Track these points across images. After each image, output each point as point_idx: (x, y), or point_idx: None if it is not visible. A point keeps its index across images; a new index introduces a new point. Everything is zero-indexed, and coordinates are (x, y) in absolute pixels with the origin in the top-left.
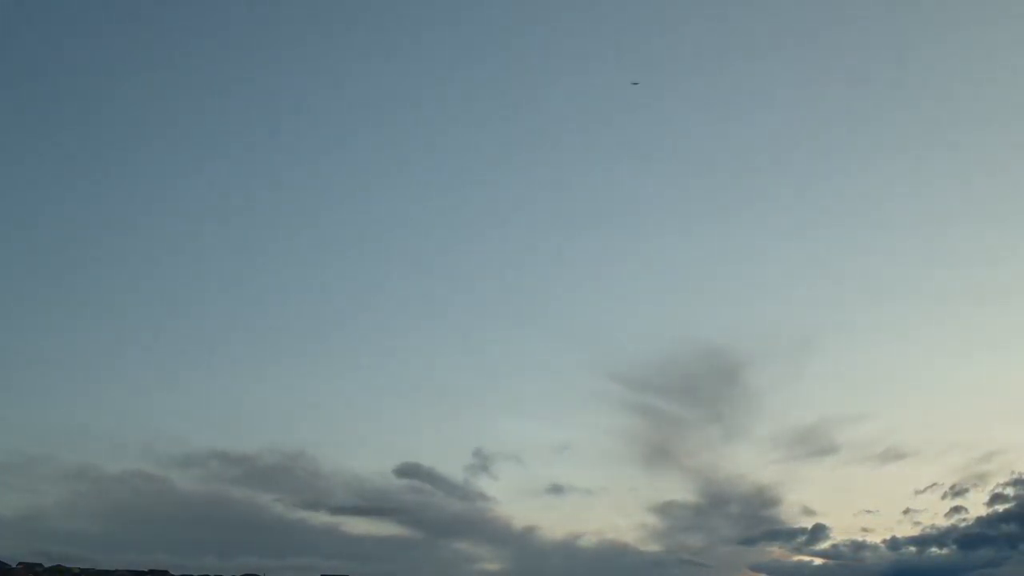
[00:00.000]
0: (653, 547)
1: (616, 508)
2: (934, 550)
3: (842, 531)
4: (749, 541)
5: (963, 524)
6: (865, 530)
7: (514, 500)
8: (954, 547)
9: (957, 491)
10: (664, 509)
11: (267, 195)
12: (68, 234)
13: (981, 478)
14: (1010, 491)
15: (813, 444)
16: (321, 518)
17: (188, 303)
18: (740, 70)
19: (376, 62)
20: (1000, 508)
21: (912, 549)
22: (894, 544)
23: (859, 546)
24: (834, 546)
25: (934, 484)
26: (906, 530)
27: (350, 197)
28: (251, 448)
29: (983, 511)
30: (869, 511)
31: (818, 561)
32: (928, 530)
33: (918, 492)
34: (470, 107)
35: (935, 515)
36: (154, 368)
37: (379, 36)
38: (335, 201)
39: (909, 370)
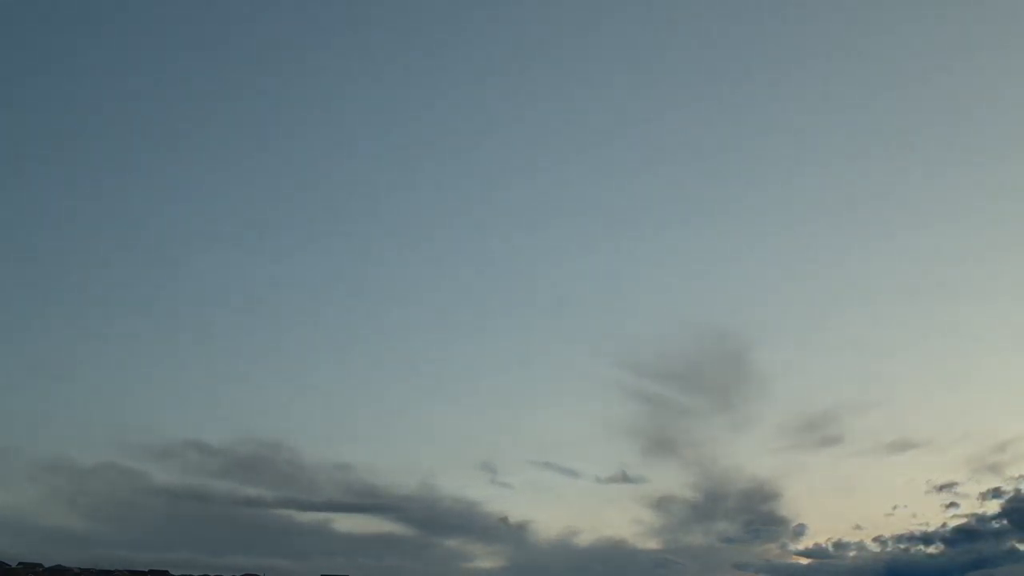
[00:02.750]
0: (650, 544)
1: (613, 503)
2: (933, 547)
3: (841, 529)
4: (743, 540)
5: (964, 520)
6: (859, 527)
7: (510, 495)
8: (951, 544)
9: (959, 486)
10: (661, 504)
11: (255, 185)
12: (39, 225)
13: (993, 469)
14: (1009, 486)
15: (817, 434)
16: (309, 516)
17: (158, 287)
18: (744, 75)
19: (386, 65)
20: (1004, 504)
21: (913, 546)
22: (894, 541)
23: (856, 545)
24: (830, 544)
25: (931, 480)
26: (909, 527)
27: (338, 188)
28: (226, 438)
29: (988, 508)
30: (869, 507)
31: (804, 561)
32: (928, 527)
33: (921, 487)
34: (477, 109)
35: (936, 511)
36: (121, 354)
37: (386, 38)
38: (322, 192)
39: (921, 358)
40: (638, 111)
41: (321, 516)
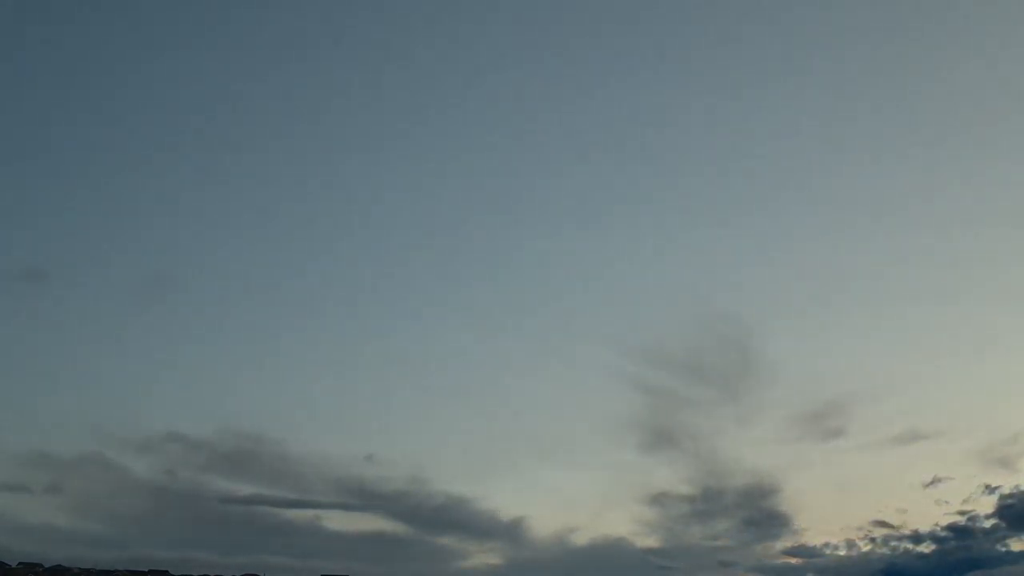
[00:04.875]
0: (648, 542)
1: (610, 499)
2: (926, 546)
3: (835, 527)
4: (738, 538)
5: (961, 519)
6: (853, 525)
7: (504, 490)
8: (946, 543)
9: (958, 482)
10: (659, 501)
11: (239, 177)
12: (22, 217)
13: (1003, 462)
14: (1011, 483)
15: (821, 426)
16: (298, 512)
17: (134, 272)
18: (744, 78)
19: (395, 63)
20: (1002, 502)
21: (906, 545)
22: (883, 540)
23: (847, 544)
24: (821, 543)
25: (930, 476)
26: (904, 524)
27: (327, 179)
28: (207, 430)
29: (985, 506)
30: (866, 504)
31: (793, 560)
32: (923, 526)
33: (918, 484)
34: (482, 109)
35: (932, 509)
36: (97, 343)
37: (391, 40)
38: (311, 182)
39: (933, 347)
40: (635, 106)
41: (311, 513)
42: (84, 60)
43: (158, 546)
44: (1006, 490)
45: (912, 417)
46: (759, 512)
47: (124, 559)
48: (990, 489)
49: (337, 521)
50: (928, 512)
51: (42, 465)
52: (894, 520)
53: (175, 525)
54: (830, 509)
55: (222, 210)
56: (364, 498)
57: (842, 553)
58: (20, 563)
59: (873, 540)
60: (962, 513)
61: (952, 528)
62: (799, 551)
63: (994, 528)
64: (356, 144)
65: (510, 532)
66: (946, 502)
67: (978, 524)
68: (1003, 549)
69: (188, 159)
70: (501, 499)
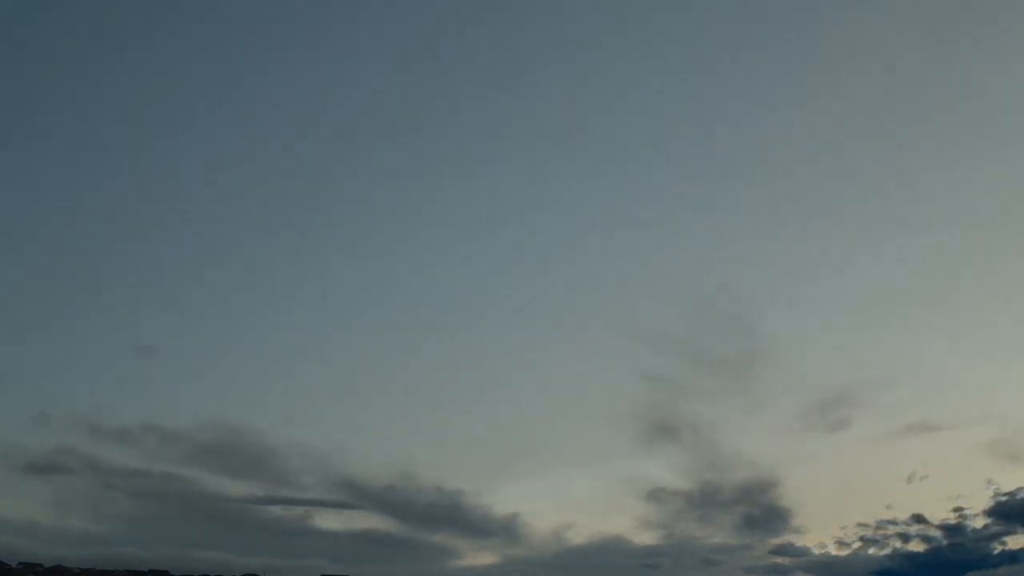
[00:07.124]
0: (645, 540)
1: (608, 495)
2: (925, 545)
3: (832, 525)
4: (735, 536)
5: (961, 517)
6: (851, 524)
7: (498, 486)
8: (945, 541)
9: (959, 480)
10: (657, 497)
11: (222, 168)
12: None
13: (1015, 456)
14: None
15: (828, 417)
16: (286, 510)
17: (115, 264)
18: (746, 81)
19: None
20: (1003, 501)
21: (903, 543)
22: (873, 539)
23: (841, 543)
24: (815, 542)
25: (933, 472)
26: (902, 522)
27: (315, 172)
28: (187, 423)
29: (985, 504)
30: (867, 501)
31: (782, 559)
32: (922, 524)
33: (919, 480)
34: (481, 105)
35: (932, 507)
36: (68, 328)
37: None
38: (294, 176)
39: (948, 334)
40: (636, 95)
41: (300, 511)
42: None
43: (157, 545)
44: (1004, 487)
45: (919, 409)
46: (758, 508)
47: (124, 559)
48: (989, 484)
49: (326, 518)
50: (927, 510)
51: (14, 457)
52: (893, 517)
53: (169, 523)
54: (830, 505)
55: (206, 203)
56: (352, 494)
57: (833, 552)
58: (20, 563)
59: (863, 539)
60: (957, 510)
61: (947, 527)
62: (787, 550)
63: (991, 527)
64: (351, 138)
65: (505, 529)
66: (945, 499)
67: (975, 523)
68: (1000, 548)
69: (176, 153)
70: (495, 495)
